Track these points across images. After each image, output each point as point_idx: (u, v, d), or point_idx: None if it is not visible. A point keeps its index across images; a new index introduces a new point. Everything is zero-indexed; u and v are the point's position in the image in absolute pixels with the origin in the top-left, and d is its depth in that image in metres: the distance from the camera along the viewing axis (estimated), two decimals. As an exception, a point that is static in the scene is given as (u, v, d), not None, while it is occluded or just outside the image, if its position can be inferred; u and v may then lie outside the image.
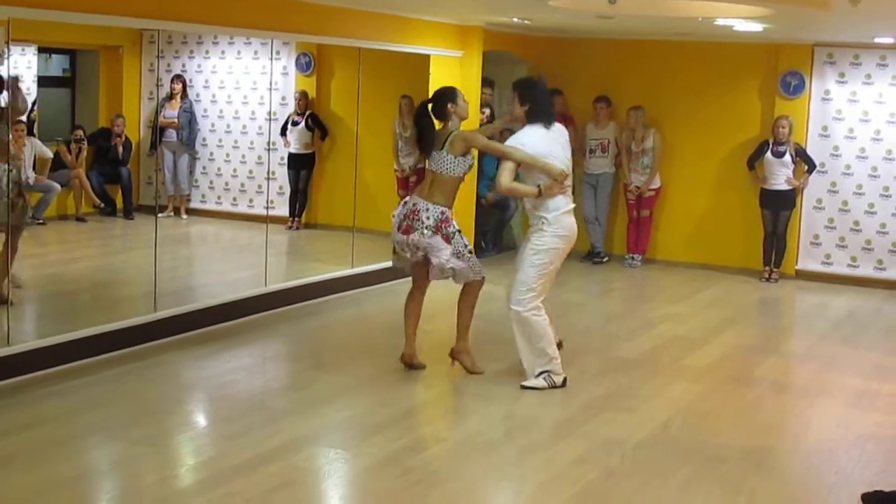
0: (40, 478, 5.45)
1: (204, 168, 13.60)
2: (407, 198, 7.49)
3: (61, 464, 5.66)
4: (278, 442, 6.08)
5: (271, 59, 12.12)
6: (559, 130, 7.43)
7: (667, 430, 6.66)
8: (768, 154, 11.69)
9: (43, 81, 12.95)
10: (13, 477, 5.46)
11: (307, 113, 12.77)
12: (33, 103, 12.59)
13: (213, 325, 8.51)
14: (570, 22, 10.90)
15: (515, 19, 10.86)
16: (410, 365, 7.58)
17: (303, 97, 12.83)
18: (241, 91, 13.39)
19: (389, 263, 10.42)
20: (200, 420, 6.81)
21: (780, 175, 11.67)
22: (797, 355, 9.07)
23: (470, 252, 7.46)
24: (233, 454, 5.88)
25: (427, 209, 7.26)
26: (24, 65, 12.62)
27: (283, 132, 12.87)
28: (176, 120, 13.05)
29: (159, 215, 12.41)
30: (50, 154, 12.20)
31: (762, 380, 8.04)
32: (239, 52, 13.38)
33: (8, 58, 6.90)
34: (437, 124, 7.50)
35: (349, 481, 5.75)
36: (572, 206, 7.36)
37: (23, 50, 12.41)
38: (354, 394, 7.09)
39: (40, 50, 12.74)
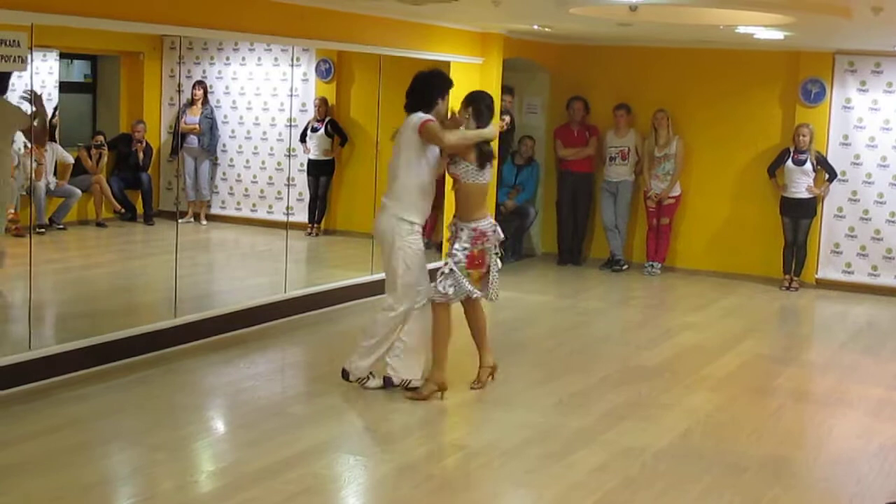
0: (60, 483, 5.46)
1: (224, 174, 13.64)
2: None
3: (81, 469, 5.67)
4: (297, 449, 6.08)
5: (292, 65, 12.16)
6: (407, 122, 7.19)
7: (687, 439, 6.64)
8: (789, 162, 11.64)
9: (64, 87, 13.03)
10: (32, 482, 5.47)
11: (327, 119, 12.80)
12: (55, 109, 12.67)
13: (232, 332, 8.53)
14: (590, 29, 10.89)
15: (536, 27, 10.86)
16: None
17: (322, 104, 12.86)
18: (261, 97, 13.44)
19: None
20: (219, 426, 6.81)
21: (801, 183, 11.62)
22: (817, 364, 9.03)
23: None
24: (252, 460, 5.89)
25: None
26: (46, 70, 12.69)
27: (303, 138, 12.89)
28: (197, 126, 13.09)
29: (179, 221, 12.49)
30: (71, 159, 12.27)
31: (782, 389, 8.00)
32: (259, 59, 13.43)
33: (31, 63, 6.91)
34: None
35: (368, 489, 5.73)
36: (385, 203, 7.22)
37: (44, 56, 12.48)
38: (374, 401, 7.07)
39: (62, 56, 12.80)
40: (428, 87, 7.23)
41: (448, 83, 7.36)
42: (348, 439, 6.49)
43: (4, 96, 7.91)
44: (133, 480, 5.80)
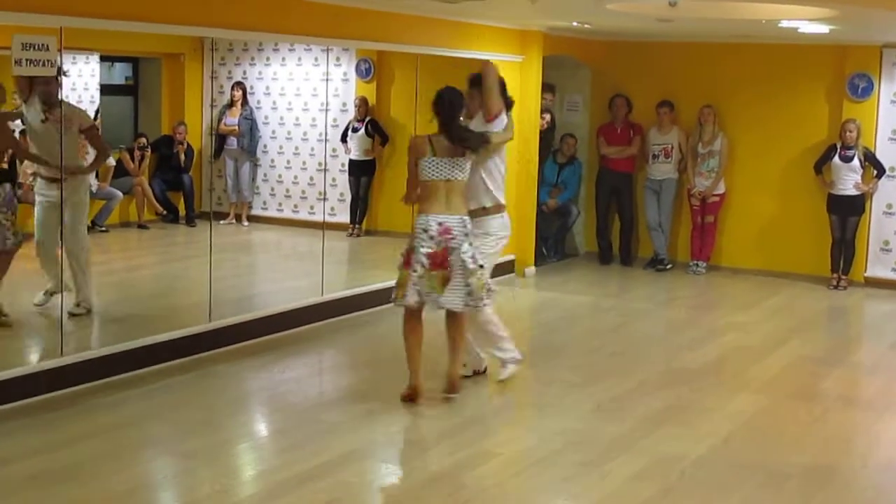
0: (93, 491, 5.44)
1: (265, 175, 13.61)
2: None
3: (113, 477, 5.63)
4: (329, 456, 6.00)
5: (327, 64, 12.09)
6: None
7: (728, 446, 6.47)
8: (836, 158, 11.41)
9: (106, 89, 13.04)
10: (65, 491, 5.43)
11: (367, 119, 12.72)
12: (96, 111, 12.70)
13: (268, 335, 8.48)
14: (630, 25, 10.74)
15: (575, 23, 10.71)
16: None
17: (363, 103, 12.78)
18: (302, 98, 13.38)
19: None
20: (253, 432, 6.74)
21: (849, 180, 11.39)
22: (865, 366, 8.81)
23: None
24: (284, 468, 5.83)
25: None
26: (88, 73, 12.73)
27: (344, 139, 12.83)
28: (236, 127, 13.07)
29: (221, 222, 12.49)
30: (112, 162, 12.26)
31: (829, 392, 7.81)
32: (299, 59, 13.38)
33: (61, 66, 6.88)
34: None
35: (398, 498, 5.63)
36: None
37: (87, 59, 12.51)
38: (410, 406, 6.97)
39: (102, 58, 12.82)
40: None
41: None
42: (381, 446, 6.39)
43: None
44: (165, 488, 5.77)
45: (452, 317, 7.01)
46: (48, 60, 6.46)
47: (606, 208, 12.71)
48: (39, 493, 5.39)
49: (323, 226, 10.51)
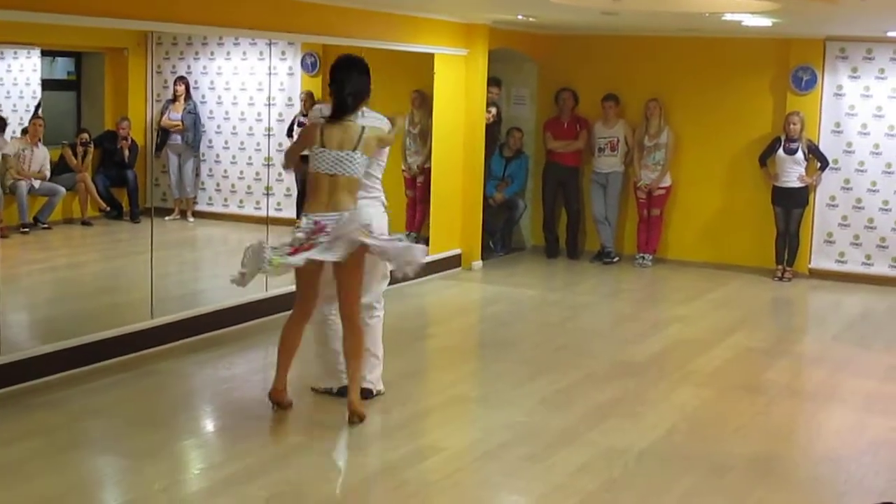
0: (26, 493, 5.33)
1: (210, 170, 13.47)
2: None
3: (49, 478, 5.53)
4: (272, 453, 5.96)
5: (271, 58, 12.01)
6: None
7: (671, 438, 6.48)
8: (780, 151, 11.48)
9: (47, 84, 12.86)
10: (-2, 492, 5.34)
11: (312, 113, 12.62)
12: (38, 106, 12.53)
13: (212, 332, 8.38)
14: (575, 19, 10.74)
15: (520, 16, 10.70)
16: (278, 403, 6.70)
17: (308, 98, 12.67)
18: (247, 92, 13.26)
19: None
20: (196, 430, 6.65)
21: (793, 172, 11.47)
22: (809, 357, 8.88)
23: None
24: (227, 465, 5.78)
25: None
26: (30, 67, 12.56)
27: (290, 133, 12.72)
28: (180, 122, 12.93)
29: (166, 218, 12.35)
30: (47, 163, 12.09)
31: (772, 383, 7.86)
32: (244, 53, 13.25)
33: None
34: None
35: (342, 494, 5.58)
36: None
37: (28, 53, 12.33)
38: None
39: (44, 53, 12.64)
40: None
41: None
42: (325, 442, 6.32)
43: None
44: (104, 488, 5.69)
45: None
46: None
47: (553, 202, 12.73)
48: (-28, 495, 5.30)
49: (266, 221, 10.44)
